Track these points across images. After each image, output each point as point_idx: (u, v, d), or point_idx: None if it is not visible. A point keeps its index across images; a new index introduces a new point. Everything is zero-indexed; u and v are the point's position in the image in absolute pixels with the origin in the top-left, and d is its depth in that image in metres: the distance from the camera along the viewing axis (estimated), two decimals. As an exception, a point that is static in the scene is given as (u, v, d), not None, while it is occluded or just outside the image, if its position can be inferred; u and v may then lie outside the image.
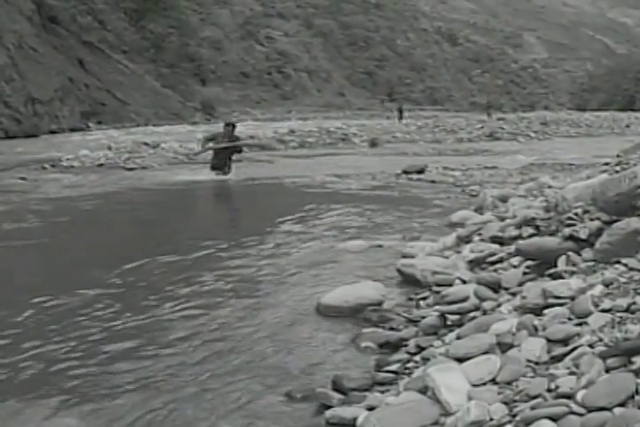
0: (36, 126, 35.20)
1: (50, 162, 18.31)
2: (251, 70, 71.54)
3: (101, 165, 18.16)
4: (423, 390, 3.07)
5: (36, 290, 5.57)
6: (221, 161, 14.46)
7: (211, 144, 14.73)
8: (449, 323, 4.18)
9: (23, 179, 14.80)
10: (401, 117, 48.01)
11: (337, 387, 3.55)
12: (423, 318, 4.40)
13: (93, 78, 47.47)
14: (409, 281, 5.52)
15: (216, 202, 12.31)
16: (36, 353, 4.21)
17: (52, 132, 35.77)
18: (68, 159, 18.86)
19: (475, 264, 5.22)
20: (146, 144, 22.51)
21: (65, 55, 45.76)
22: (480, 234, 5.96)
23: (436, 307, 4.41)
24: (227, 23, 72.72)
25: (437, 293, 4.72)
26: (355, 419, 3.10)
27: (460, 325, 4.01)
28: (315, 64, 78.75)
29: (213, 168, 14.50)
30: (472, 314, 4.09)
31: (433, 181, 13.64)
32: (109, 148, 21.56)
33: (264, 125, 38.36)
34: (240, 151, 15.08)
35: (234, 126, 15.00)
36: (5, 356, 4.15)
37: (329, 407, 3.34)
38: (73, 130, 37.58)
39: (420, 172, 15.06)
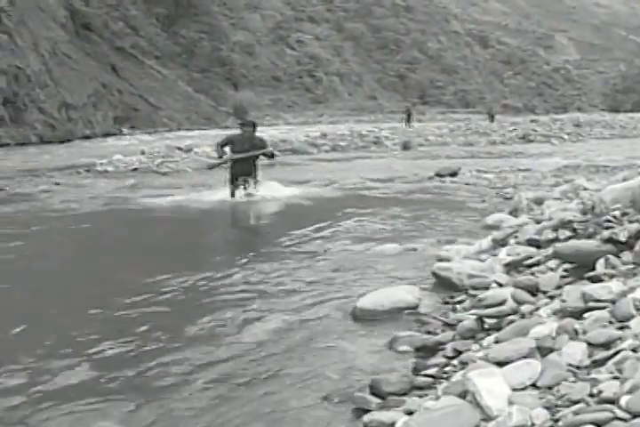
0: (69, 132, 35.66)
1: (84, 167, 18.50)
2: (282, 74, 71.94)
3: (135, 169, 18.31)
4: (462, 395, 3.03)
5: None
6: (244, 170, 11.70)
7: (227, 150, 11.94)
8: (486, 327, 4.13)
9: (57, 184, 14.99)
10: (409, 121, 43.68)
11: (375, 391, 3.52)
12: (460, 321, 4.35)
13: (126, 84, 48.00)
14: (445, 284, 5.48)
15: (246, 206, 12.16)
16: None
17: (86, 138, 36.23)
18: (102, 164, 19.03)
19: (511, 267, 5.17)
20: (179, 149, 22.57)
21: (98, 61, 46.32)
22: (516, 237, 5.91)
23: (473, 310, 4.37)
24: (258, 28, 73.21)
25: (474, 296, 4.68)
26: (393, 423, 3.06)
27: (497, 329, 3.97)
28: (346, 67, 78.92)
29: (233, 181, 11.74)
30: (510, 318, 4.05)
31: (466, 184, 13.56)
32: (143, 152, 21.67)
33: (296, 129, 38.41)
34: (272, 156, 12.26)
35: (254, 126, 11.95)
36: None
37: (367, 411, 3.32)
38: (106, 135, 38.03)
39: (454, 174, 14.99)
